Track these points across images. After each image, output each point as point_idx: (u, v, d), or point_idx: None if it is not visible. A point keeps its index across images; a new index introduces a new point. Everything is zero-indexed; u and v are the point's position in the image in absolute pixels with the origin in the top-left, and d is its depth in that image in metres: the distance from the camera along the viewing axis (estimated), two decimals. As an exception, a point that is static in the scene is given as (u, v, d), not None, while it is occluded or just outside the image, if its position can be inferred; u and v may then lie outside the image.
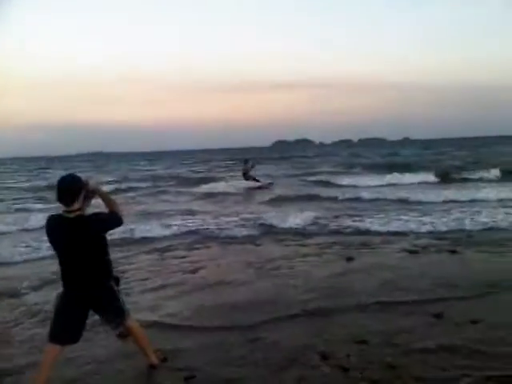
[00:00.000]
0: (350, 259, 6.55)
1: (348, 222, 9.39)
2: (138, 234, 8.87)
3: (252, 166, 19.10)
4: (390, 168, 22.74)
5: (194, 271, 6.28)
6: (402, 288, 5.07)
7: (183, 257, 7.23)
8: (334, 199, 13.82)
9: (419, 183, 17.81)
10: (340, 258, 6.64)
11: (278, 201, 13.93)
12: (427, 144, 79.96)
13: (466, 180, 18.41)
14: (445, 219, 9.12)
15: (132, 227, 9.12)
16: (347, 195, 14.12)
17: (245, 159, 19.92)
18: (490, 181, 17.67)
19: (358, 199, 13.52)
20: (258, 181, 18.91)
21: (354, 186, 17.46)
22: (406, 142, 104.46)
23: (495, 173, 18.96)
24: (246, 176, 18.85)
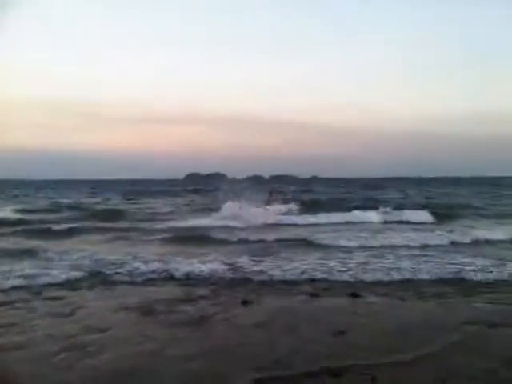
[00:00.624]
0: (245, 303, 6.00)
1: (247, 265, 8.63)
2: None
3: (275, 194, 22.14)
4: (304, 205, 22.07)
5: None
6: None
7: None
8: (236, 240, 12.25)
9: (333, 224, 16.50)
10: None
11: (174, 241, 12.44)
12: (334, 182, 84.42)
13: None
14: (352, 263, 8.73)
15: None
16: (252, 236, 12.77)
17: (269, 190, 22.84)
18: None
19: (261, 241, 12.11)
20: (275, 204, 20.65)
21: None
22: (314, 180, 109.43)
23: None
24: (269, 201, 20.84)
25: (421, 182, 76.80)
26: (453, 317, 5.42)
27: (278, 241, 12.15)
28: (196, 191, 48.48)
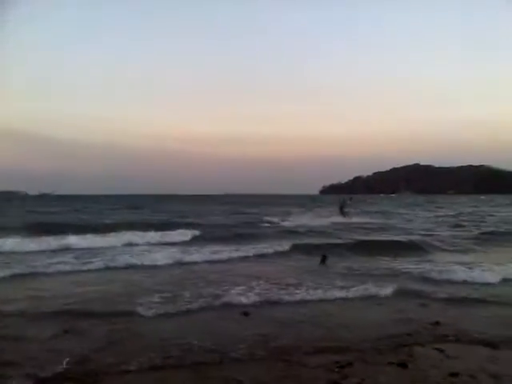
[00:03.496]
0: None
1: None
2: None
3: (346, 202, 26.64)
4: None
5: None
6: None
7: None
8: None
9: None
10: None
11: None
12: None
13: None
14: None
15: None
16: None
17: (343, 198, 27.44)
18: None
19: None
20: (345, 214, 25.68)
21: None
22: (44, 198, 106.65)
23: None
24: (342, 211, 26.09)
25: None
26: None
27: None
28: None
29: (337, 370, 4.47)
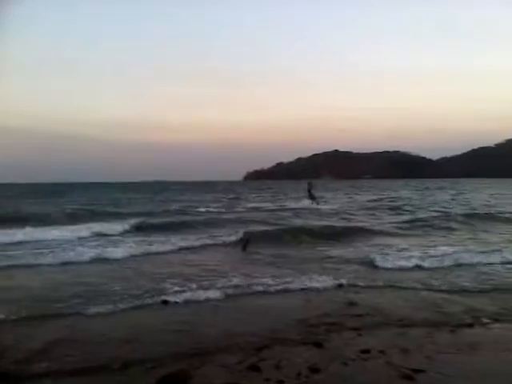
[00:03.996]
0: None
1: None
2: None
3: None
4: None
5: None
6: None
7: None
8: None
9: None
10: None
11: None
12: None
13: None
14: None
15: None
16: None
17: (308, 182, 27.43)
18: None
19: None
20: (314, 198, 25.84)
21: None
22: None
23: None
24: (311, 194, 26.06)
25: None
26: None
27: None
28: None
29: (254, 352, 4.44)
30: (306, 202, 26.17)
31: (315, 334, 5.05)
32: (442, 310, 5.99)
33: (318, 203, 25.84)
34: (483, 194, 41.41)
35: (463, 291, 7.06)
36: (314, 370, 3.99)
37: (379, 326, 5.35)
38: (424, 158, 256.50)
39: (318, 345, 4.65)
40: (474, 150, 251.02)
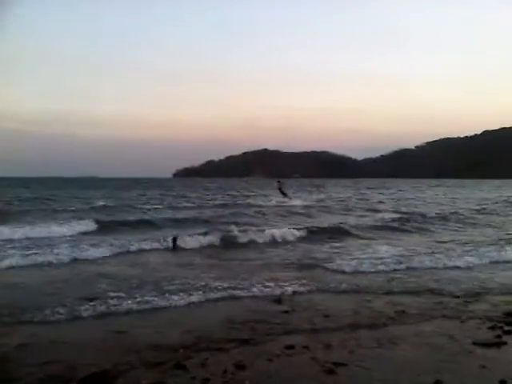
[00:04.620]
0: None
1: None
2: None
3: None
4: None
5: None
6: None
7: None
8: None
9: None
10: None
11: None
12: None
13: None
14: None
15: None
16: None
17: (278, 180, 29.41)
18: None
19: None
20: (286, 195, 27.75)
21: None
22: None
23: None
24: (282, 191, 27.79)
25: None
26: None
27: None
28: None
29: (181, 351, 4.41)
30: (278, 199, 27.73)
31: (241, 331, 5.10)
32: (367, 309, 6.14)
33: (290, 198, 27.77)
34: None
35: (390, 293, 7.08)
36: (240, 366, 4.01)
37: (305, 322, 5.49)
38: (350, 159, 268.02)
39: (246, 341, 4.69)
40: (396, 152, 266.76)
